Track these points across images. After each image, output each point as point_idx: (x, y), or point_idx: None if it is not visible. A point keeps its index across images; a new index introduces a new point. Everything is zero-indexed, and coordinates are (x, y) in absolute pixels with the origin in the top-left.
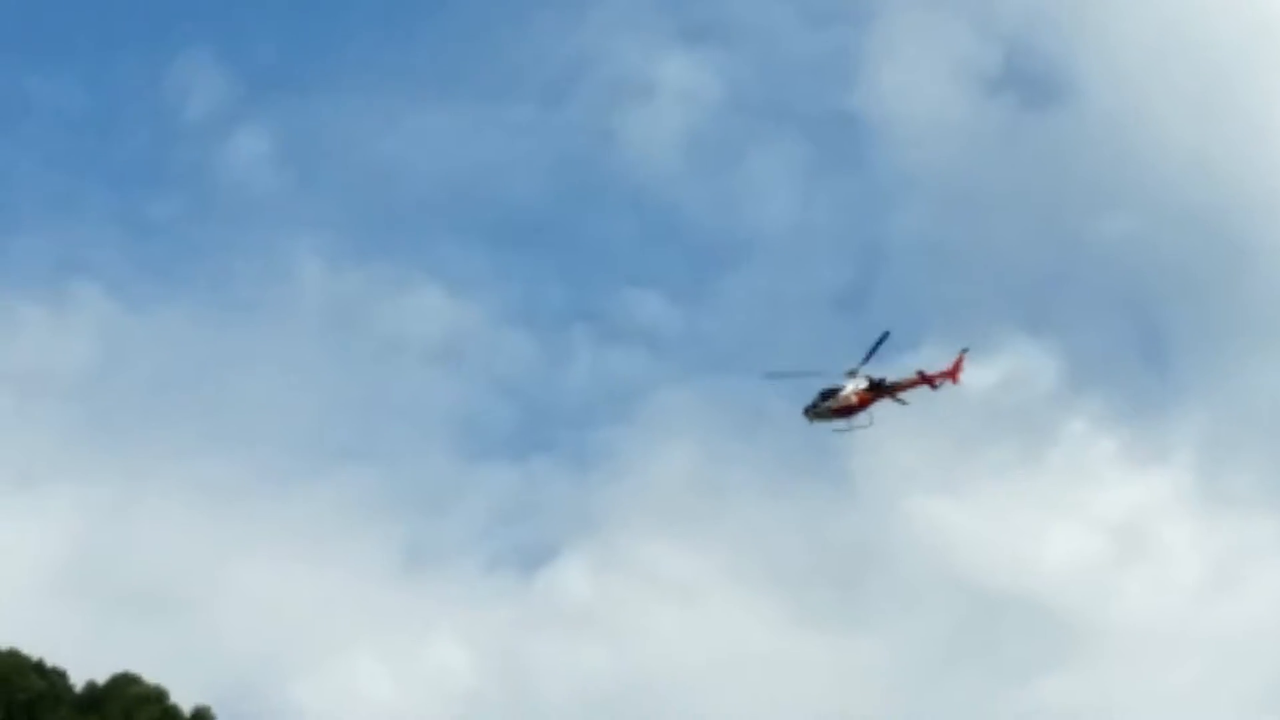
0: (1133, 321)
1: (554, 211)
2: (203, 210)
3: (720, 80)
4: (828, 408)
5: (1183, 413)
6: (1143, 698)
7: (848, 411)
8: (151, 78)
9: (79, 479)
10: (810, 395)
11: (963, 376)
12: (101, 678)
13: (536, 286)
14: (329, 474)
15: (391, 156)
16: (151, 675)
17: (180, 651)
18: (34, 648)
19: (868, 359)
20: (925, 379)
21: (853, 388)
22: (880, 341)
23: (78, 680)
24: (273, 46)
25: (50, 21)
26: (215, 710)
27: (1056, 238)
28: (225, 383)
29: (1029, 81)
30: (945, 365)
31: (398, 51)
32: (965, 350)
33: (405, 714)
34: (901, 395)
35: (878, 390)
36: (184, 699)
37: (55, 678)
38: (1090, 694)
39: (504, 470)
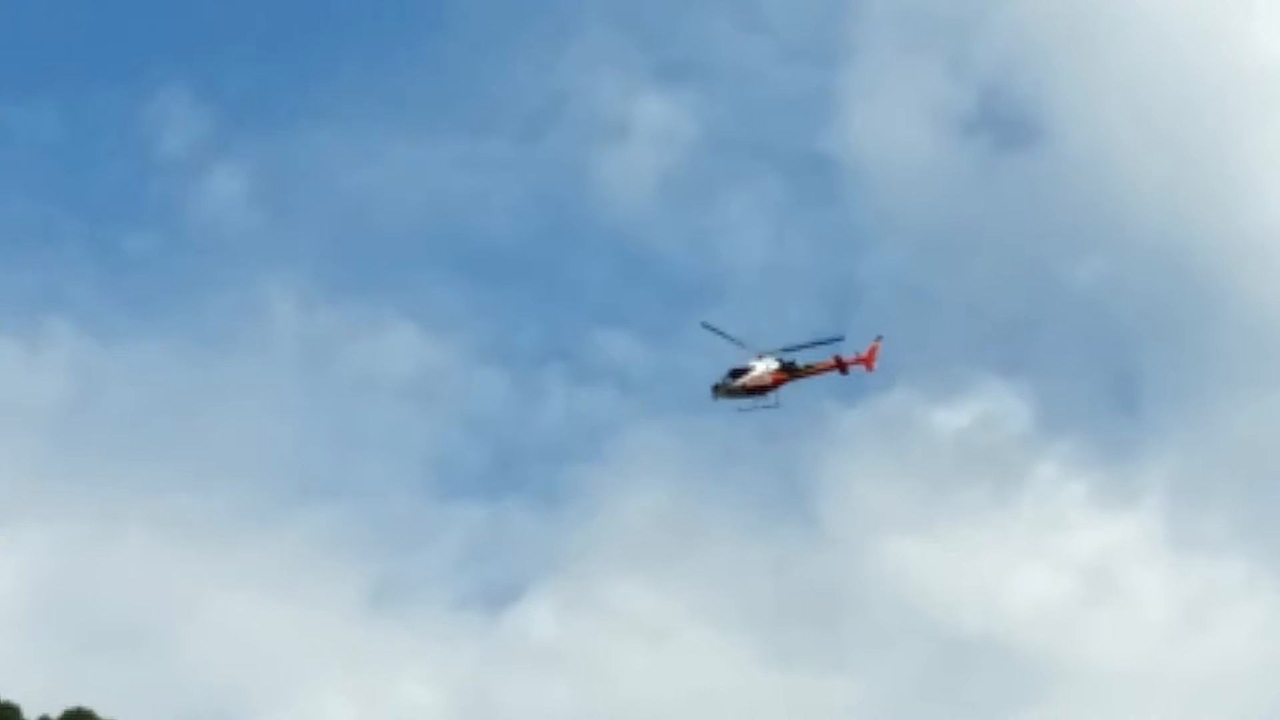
0: (1105, 364)
1: (528, 249)
2: (178, 245)
3: (695, 119)
4: (740, 385)
5: (1153, 456)
6: None
7: (759, 390)
8: (128, 112)
9: (50, 514)
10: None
11: (878, 365)
12: (57, 713)
13: (510, 325)
14: (300, 511)
15: (367, 192)
16: (113, 711)
17: (146, 688)
18: None
19: (797, 349)
20: (839, 364)
21: (765, 368)
22: (820, 342)
23: (32, 715)
24: (249, 82)
25: (28, 54)
26: None
27: (1030, 280)
28: (198, 419)
29: (1003, 124)
30: (862, 352)
31: (374, 87)
32: (880, 338)
33: None
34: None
35: (791, 372)
36: None
37: (8, 712)
38: None
39: (475, 508)
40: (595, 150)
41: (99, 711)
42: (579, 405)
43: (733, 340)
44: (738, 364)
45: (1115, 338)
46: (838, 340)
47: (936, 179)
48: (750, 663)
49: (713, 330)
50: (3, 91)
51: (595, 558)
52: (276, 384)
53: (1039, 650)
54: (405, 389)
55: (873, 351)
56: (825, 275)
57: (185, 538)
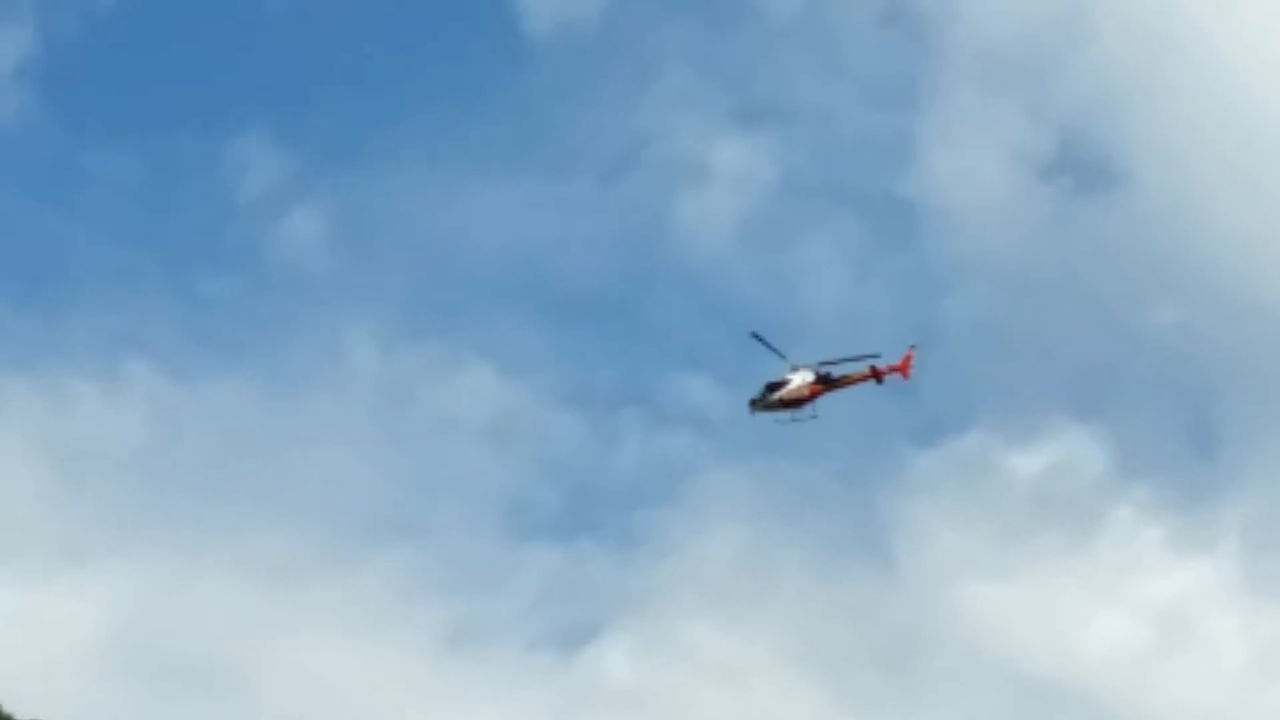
0: (1182, 409)
1: (607, 292)
2: (257, 287)
3: (774, 162)
4: (776, 399)
5: (1230, 501)
6: None
7: (796, 404)
8: (208, 155)
9: (129, 556)
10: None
11: (913, 373)
12: None
13: (588, 367)
14: (377, 552)
15: (446, 234)
16: None
17: None
18: None
19: (778, 353)
20: (875, 373)
21: (801, 380)
22: (765, 342)
23: None
24: (330, 124)
25: (109, 97)
26: None
27: (1107, 324)
28: (276, 460)
29: (1082, 168)
30: (896, 360)
31: (453, 130)
32: (914, 346)
33: None
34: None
35: (827, 383)
36: None
37: None
38: None
39: (551, 550)
40: (675, 193)
41: None
42: (656, 448)
43: (776, 351)
44: (774, 378)
45: (1192, 383)
46: (874, 357)
47: (1015, 223)
48: (826, 706)
49: (761, 341)
50: (83, 135)
51: (671, 600)
52: (355, 425)
53: (1116, 695)
54: (483, 431)
55: (907, 360)
56: (903, 318)
57: (262, 578)
